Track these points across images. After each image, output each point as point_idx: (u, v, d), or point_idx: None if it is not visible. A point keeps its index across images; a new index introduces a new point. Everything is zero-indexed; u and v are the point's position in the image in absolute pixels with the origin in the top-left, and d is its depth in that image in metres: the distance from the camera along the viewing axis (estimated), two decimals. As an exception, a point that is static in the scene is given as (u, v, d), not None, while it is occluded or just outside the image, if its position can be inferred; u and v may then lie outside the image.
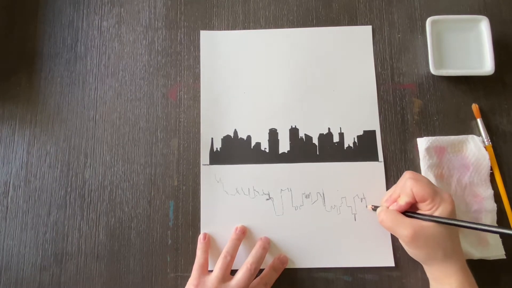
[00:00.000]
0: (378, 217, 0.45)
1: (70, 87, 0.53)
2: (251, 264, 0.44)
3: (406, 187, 0.42)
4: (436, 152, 0.49)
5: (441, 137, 0.49)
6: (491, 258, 0.46)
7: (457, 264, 0.40)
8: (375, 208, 0.47)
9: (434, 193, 0.41)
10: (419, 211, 0.42)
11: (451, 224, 0.40)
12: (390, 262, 0.47)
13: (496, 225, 0.47)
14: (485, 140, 0.49)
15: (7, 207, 0.50)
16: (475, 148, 0.49)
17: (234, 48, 0.54)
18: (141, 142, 0.51)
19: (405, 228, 0.41)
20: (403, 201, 0.42)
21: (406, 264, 0.47)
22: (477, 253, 0.46)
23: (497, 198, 0.48)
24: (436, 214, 0.40)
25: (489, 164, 0.48)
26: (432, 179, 0.48)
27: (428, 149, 0.49)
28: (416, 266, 0.47)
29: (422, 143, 0.49)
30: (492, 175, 0.49)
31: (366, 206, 0.49)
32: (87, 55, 0.54)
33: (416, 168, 0.50)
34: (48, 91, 0.53)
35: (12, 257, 0.48)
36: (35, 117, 0.52)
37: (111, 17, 0.55)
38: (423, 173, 0.49)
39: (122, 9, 0.55)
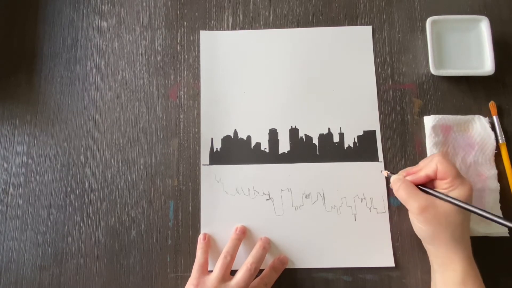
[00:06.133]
0: (393, 186, 0.45)
1: (70, 87, 0.53)
2: (251, 264, 0.44)
3: (432, 162, 0.43)
4: (442, 130, 0.49)
5: (448, 116, 0.50)
6: (494, 235, 0.46)
7: (464, 252, 0.40)
8: (390, 175, 0.47)
9: (457, 174, 0.41)
10: (435, 189, 0.43)
11: (462, 207, 0.40)
12: (390, 262, 0.47)
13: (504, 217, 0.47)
14: (500, 138, 0.49)
15: (7, 207, 0.50)
16: (481, 128, 0.49)
17: (234, 48, 0.54)
18: (141, 142, 0.51)
19: (418, 200, 0.41)
20: (423, 173, 0.43)
21: (406, 264, 0.47)
22: (480, 229, 0.46)
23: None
24: (452, 194, 0.41)
25: (494, 144, 0.49)
26: None
27: (434, 127, 0.49)
28: (416, 266, 0.47)
29: (429, 121, 0.50)
30: (496, 155, 0.49)
31: (381, 171, 0.49)
32: (87, 55, 0.54)
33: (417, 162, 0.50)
34: (48, 91, 0.53)
35: (12, 257, 0.48)
36: (35, 117, 0.52)
37: (111, 17, 0.55)
38: (428, 150, 0.49)
39: (122, 9, 0.55)
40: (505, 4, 0.54)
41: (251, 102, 0.52)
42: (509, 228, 0.38)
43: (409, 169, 0.46)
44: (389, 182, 0.47)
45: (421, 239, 0.44)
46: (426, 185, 0.44)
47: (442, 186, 0.42)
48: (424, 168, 0.44)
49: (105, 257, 0.48)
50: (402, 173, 0.46)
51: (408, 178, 0.44)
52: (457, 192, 0.41)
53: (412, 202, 0.42)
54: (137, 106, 0.52)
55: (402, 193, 0.43)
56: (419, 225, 0.42)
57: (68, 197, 0.50)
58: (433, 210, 0.41)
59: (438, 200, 0.41)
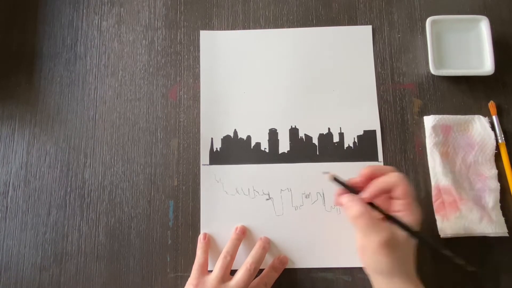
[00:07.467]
0: (349, 209, 0.40)
1: (70, 87, 0.53)
2: (250, 264, 0.44)
3: (391, 178, 0.39)
4: (442, 130, 0.50)
5: (448, 116, 0.50)
6: (493, 235, 0.46)
7: (417, 280, 0.39)
8: (334, 179, 0.42)
9: (414, 198, 0.39)
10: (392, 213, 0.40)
11: (420, 237, 0.39)
12: (390, 262, 0.47)
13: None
14: (499, 137, 0.49)
15: (7, 207, 0.50)
16: (481, 128, 0.49)
17: (234, 48, 0.54)
18: (141, 142, 0.51)
19: (379, 233, 0.37)
20: (378, 189, 0.39)
21: (406, 264, 0.47)
22: (480, 230, 0.46)
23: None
24: (406, 218, 0.39)
25: (494, 144, 0.49)
26: (438, 157, 0.48)
27: (434, 127, 0.49)
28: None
29: (429, 121, 0.50)
30: (496, 155, 0.49)
31: (323, 173, 0.44)
32: (87, 55, 0.54)
33: (416, 167, 0.50)
34: (48, 91, 0.53)
35: (12, 257, 0.48)
36: (35, 117, 0.52)
37: (111, 17, 0.55)
38: (428, 150, 0.49)
39: (122, 9, 0.55)
40: (505, 4, 0.54)
41: (251, 102, 0.52)
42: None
43: (356, 178, 0.41)
44: (330, 182, 0.42)
45: (374, 272, 0.40)
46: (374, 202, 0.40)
47: (396, 206, 0.40)
48: (381, 184, 0.40)
49: (105, 257, 0.48)
50: (351, 180, 0.42)
51: (364, 195, 0.40)
52: (413, 217, 0.39)
53: (374, 235, 0.38)
54: (137, 106, 0.52)
55: (362, 225, 0.39)
56: (379, 258, 0.38)
57: (68, 197, 0.50)
58: (395, 242, 0.37)
59: (397, 230, 0.38)
